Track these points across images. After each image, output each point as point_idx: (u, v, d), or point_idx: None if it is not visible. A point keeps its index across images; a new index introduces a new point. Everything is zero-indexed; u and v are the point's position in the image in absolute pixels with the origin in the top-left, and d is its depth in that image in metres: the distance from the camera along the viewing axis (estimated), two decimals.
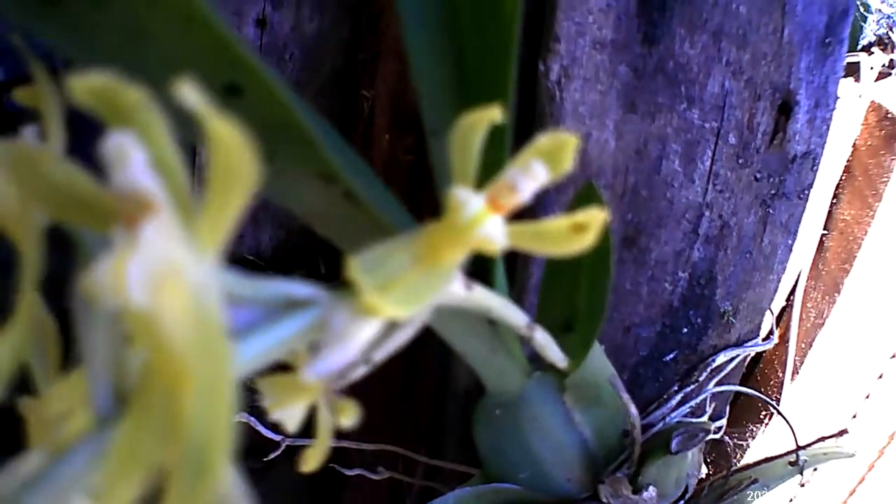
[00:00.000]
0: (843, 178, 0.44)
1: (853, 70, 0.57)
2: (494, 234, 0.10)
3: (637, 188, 0.24)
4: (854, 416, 0.51)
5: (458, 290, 0.13)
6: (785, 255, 0.30)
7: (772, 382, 0.47)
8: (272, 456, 0.30)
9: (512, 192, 0.11)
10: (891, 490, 0.49)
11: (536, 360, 0.23)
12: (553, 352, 0.19)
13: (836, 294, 0.44)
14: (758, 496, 0.35)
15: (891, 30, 1.03)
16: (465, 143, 0.11)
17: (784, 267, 0.31)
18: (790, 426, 0.33)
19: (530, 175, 0.11)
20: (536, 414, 0.23)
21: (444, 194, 0.11)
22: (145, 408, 0.08)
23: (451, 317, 0.16)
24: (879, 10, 0.98)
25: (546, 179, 0.11)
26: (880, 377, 0.50)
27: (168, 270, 0.07)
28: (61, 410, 0.11)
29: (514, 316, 0.16)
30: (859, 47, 1.04)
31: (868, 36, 1.06)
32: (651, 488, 0.28)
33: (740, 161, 0.26)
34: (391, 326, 0.11)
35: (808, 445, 0.33)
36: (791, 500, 0.47)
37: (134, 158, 0.07)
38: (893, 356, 0.51)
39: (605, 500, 0.28)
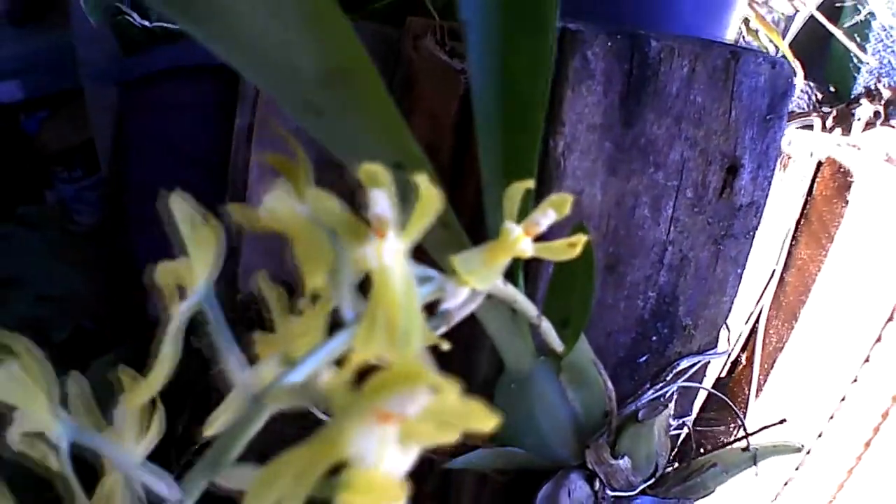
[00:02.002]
0: (801, 222, 0.55)
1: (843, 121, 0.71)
2: (526, 247, 0.22)
3: (617, 229, 0.36)
4: (819, 435, 0.63)
5: (500, 283, 0.25)
6: (735, 281, 0.42)
7: (739, 399, 0.58)
8: None
9: (536, 225, 0.22)
10: None
11: (541, 349, 0.34)
12: (553, 338, 0.31)
13: (794, 322, 0.55)
14: (720, 482, 0.46)
15: (878, 81, 1.18)
16: (512, 198, 0.23)
17: (735, 291, 0.42)
18: (736, 412, 0.44)
19: (546, 216, 0.22)
20: (541, 390, 0.34)
21: (497, 226, 0.22)
22: (373, 316, 0.19)
23: (488, 307, 0.28)
24: (868, 63, 1.14)
25: (554, 219, 0.22)
26: (843, 399, 0.62)
27: (397, 251, 0.18)
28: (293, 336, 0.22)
29: (529, 308, 0.28)
30: (851, 97, 1.20)
31: (859, 87, 1.22)
32: (626, 458, 0.39)
33: (696, 210, 0.38)
34: (470, 295, 0.22)
35: (757, 432, 0.44)
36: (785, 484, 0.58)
37: (382, 201, 0.19)
38: (855, 380, 0.63)
39: (590, 465, 0.39)
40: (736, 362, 0.60)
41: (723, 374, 0.59)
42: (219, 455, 0.17)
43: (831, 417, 0.65)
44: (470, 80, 0.23)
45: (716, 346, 0.44)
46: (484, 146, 0.24)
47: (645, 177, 0.35)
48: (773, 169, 0.41)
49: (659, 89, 0.35)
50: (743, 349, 0.59)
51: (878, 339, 0.61)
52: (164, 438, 0.22)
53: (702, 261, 0.39)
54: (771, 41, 0.97)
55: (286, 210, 0.19)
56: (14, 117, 1.21)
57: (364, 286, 0.18)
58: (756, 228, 0.41)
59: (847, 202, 0.52)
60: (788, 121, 0.96)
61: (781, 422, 0.44)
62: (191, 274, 0.19)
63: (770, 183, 0.41)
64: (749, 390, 0.57)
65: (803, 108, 1.23)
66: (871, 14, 1.25)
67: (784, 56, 0.72)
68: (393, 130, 0.20)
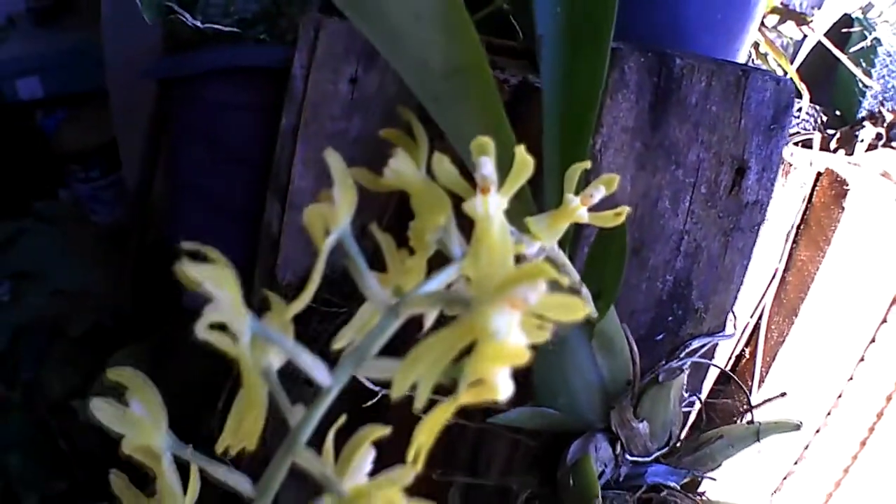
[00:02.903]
0: (801, 227, 0.63)
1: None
2: (583, 214, 0.29)
3: (642, 217, 0.43)
4: (817, 431, 0.70)
5: (556, 246, 0.32)
6: (741, 271, 0.49)
7: (743, 390, 0.65)
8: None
9: (590, 197, 0.29)
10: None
11: None
12: (590, 305, 0.38)
13: (794, 317, 0.62)
14: (727, 455, 0.53)
15: (882, 105, 1.28)
16: (571, 176, 0.30)
17: (741, 280, 0.50)
18: (741, 385, 0.51)
19: (598, 191, 0.29)
20: (575, 353, 0.41)
21: (555, 200, 0.29)
22: (476, 254, 0.25)
23: None
24: (872, 88, 1.24)
25: (604, 193, 0.29)
26: (839, 396, 0.69)
27: (498, 205, 0.25)
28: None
29: (573, 274, 0.35)
30: (856, 120, 1.29)
31: (864, 111, 1.31)
32: (645, 422, 0.46)
33: (709, 204, 0.45)
34: (538, 250, 0.29)
35: (761, 405, 0.51)
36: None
37: (489, 165, 0.25)
38: (850, 378, 0.70)
39: (614, 428, 0.46)
40: (741, 356, 0.67)
41: (728, 367, 0.66)
42: (362, 352, 0.24)
43: (828, 414, 0.72)
44: (541, 85, 0.30)
45: (723, 330, 0.51)
46: (547, 136, 0.31)
47: (667, 173, 0.43)
48: (776, 172, 0.48)
49: (681, 99, 0.43)
50: (747, 344, 0.66)
51: (873, 340, 0.69)
52: (192, 432, 0.27)
53: (713, 250, 0.46)
54: (779, 65, 1.05)
55: (409, 171, 0.26)
56: (31, 115, 1.28)
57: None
58: (760, 224, 0.49)
59: (843, 209, 0.60)
60: (794, 141, 1.05)
61: (783, 394, 0.51)
62: (335, 215, 0.25)
63: (773, 184, 0.48)
64: (752, 381, 0.64)
65: (809, 130, 1.32)
66: (878, 40, 1.34)
67: (788, 76, 0.81)
68: (491, 115, 0.27)
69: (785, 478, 0.78)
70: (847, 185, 0.60)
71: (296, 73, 0.55)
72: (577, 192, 0.29)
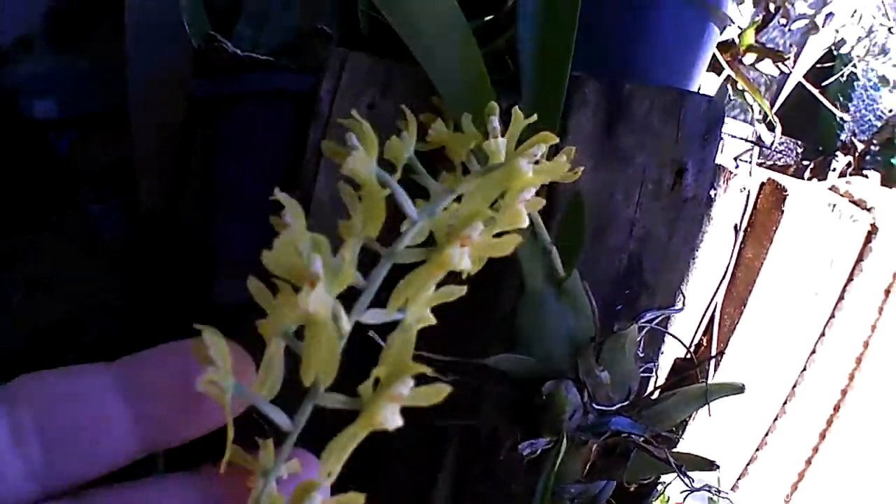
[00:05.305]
0: (748, 229, 0.80)
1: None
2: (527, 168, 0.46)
3: (601, 206, 0.61)
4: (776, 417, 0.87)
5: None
6: (687, 257, 0.66)
7: (701, 375, 0.81)
8: None
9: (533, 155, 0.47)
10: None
11: (548, 278, 0.58)
12: (558, 263, 0.55)
13: (743, 308, 0.79)
14: (681, 412, 0.69)
15: (854, 136, 1.49)
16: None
17: (688, 265, 0.67)
18: (686, 348, 0.68)
19: (538, 148, 0.47)
20: (548, 306, 0.58)
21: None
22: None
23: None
24: (849, 121, 1.45)
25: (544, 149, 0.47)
26: (795, 386, 0.86)
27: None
28: None
29: (545, 235, 0.52)
30: (831, 150, 1.50)
31: (840, 142, 1.52)
32: (605, 372, 0.63)
33: (655, 198, 0.62)
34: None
35: (701, 362, 0.68)
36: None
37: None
38: (804, 368, 0.88)
39: (581, 376, 0.62)
40: (699, 344, 0.83)
41: (688, 354, 0.83)
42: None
43: (785, 402, 0.90)
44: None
45: (674, 306, 0.68)
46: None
47: (620, 172, 0.60)
48: (710, 173, 0.66)
49: (629, 116, 0.60)
50: (704, 333, 0.83)
51: (822, 335, 0.87)
52: None
53: (661, 236, 0.64)
54: (755, 101, 1.25)
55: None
56: (44, 135, 1.44)
57: None
58: (701, 217, 0.66)
59: (783, 212, 0.78)
60: (767, 168, 1.25)
61: (721, 353, 0.68)
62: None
63: (708, 183, 0.66)
64: (707, 367, 0.81)
65: (786, 162, 1.52)
66: (854, 74, 1.55)
67: (726, 97, 0.99)
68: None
69: (749, 463, 0.95)
70: (786, 191, 0.78)
71: (322, 97, 0.73)
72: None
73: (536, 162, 0.35)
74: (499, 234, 0.33)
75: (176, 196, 1.09)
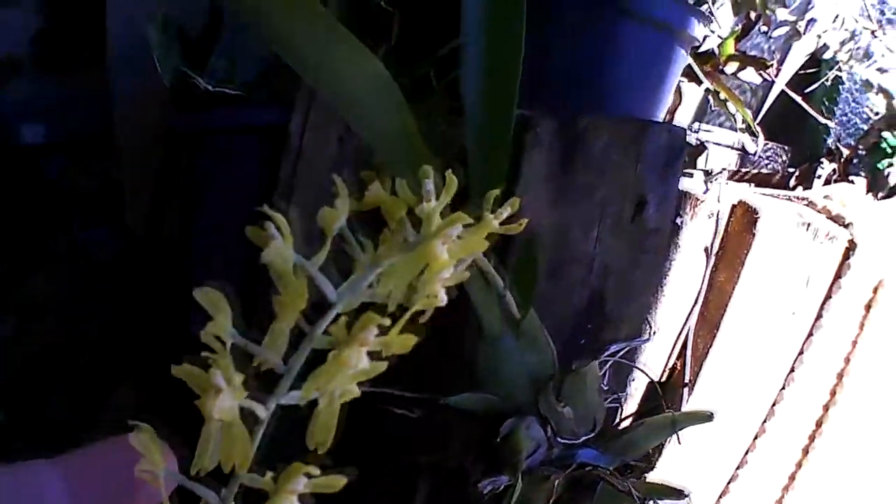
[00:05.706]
0: (720, 252, 0.80)
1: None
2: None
3: (557, 245, 0.61)
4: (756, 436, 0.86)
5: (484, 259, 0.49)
6: (653, 287, 0.66)
7: (675, 398, 0.81)
8: None
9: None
10: None
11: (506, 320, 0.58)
12: (513, 306, 0.55)
13: (716, 331, 0.79)
14: (648, 441, 0.69)
15: (839, 142, 1.49)
16: (489, 198, 0.47)
17: (655, 296, 0.67)
18: (652, 380, 0.68)
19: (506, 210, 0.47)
20: (506, 347, 0.58)
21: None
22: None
23: (474, 277, 0.52)
24: (835, 127, 1.44)
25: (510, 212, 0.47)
26: (774, 404, 0.86)
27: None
28: None
29: (498, 281, 0.52)
30: (817, 157, 1.50)
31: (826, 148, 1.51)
32: (568, 408, 0.63)
33: (615, 232, 0.62)
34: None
35: (664, 386, 0.68)
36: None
37: (430, 185, 0.43)
38: (784, 387, 0.87)
39: (543, 412, 0.62)
40: (673, 368, 0.83)
41: (662, 379, 0.82)
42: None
43: (764, 420, 0.89)
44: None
45: (640, 336, 0.68)
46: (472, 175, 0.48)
47: (577, 209, 0.60)
48: (673, 204, 0.66)
49: (586, 151, 0.60)
50: (678, 357, 0.82)
51: (801, 353, 0.86)
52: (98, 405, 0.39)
53: (623, 269, 0.64)
54: (737, 111, 1.24)
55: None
56: (34, 160, 1.45)
57: None
58: (666, 248, 0.66)
59: (754, 234, 0.77)
60: (751, 181, 1.24)
61: (695, 378, 0.68)
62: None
63: (672, 214, 0.66)
64: (683, 389, 0.81)
65: (770, 169, 1.51)
66: (839, 78, 1.54)
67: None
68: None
69: (729, 482, 0.95)
70: (757, 213, 0.78)
71: (293, 132, 0.73)
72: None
73: (462, 234, 0.36)
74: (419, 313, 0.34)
75: (160, 221, 1.09)
